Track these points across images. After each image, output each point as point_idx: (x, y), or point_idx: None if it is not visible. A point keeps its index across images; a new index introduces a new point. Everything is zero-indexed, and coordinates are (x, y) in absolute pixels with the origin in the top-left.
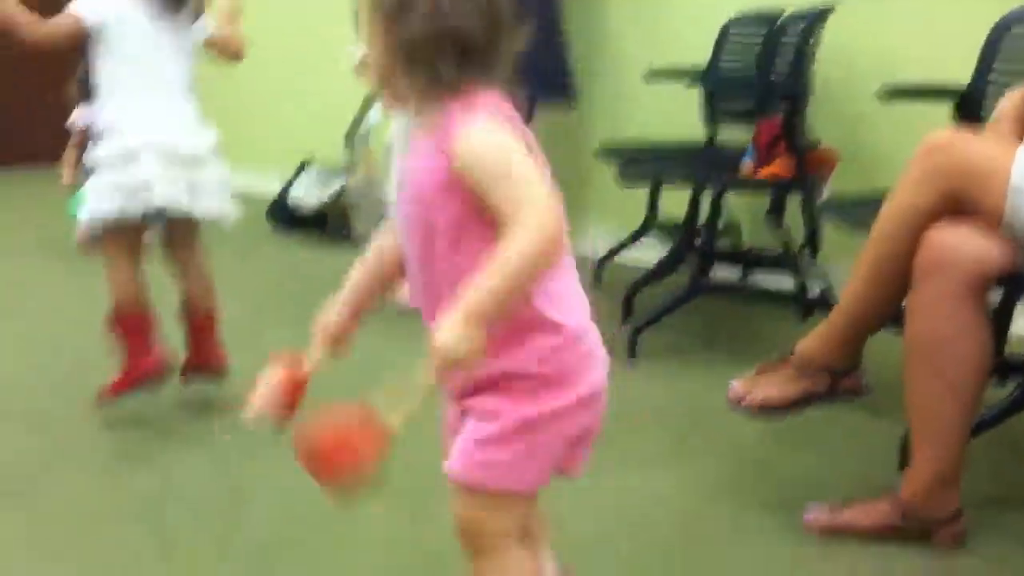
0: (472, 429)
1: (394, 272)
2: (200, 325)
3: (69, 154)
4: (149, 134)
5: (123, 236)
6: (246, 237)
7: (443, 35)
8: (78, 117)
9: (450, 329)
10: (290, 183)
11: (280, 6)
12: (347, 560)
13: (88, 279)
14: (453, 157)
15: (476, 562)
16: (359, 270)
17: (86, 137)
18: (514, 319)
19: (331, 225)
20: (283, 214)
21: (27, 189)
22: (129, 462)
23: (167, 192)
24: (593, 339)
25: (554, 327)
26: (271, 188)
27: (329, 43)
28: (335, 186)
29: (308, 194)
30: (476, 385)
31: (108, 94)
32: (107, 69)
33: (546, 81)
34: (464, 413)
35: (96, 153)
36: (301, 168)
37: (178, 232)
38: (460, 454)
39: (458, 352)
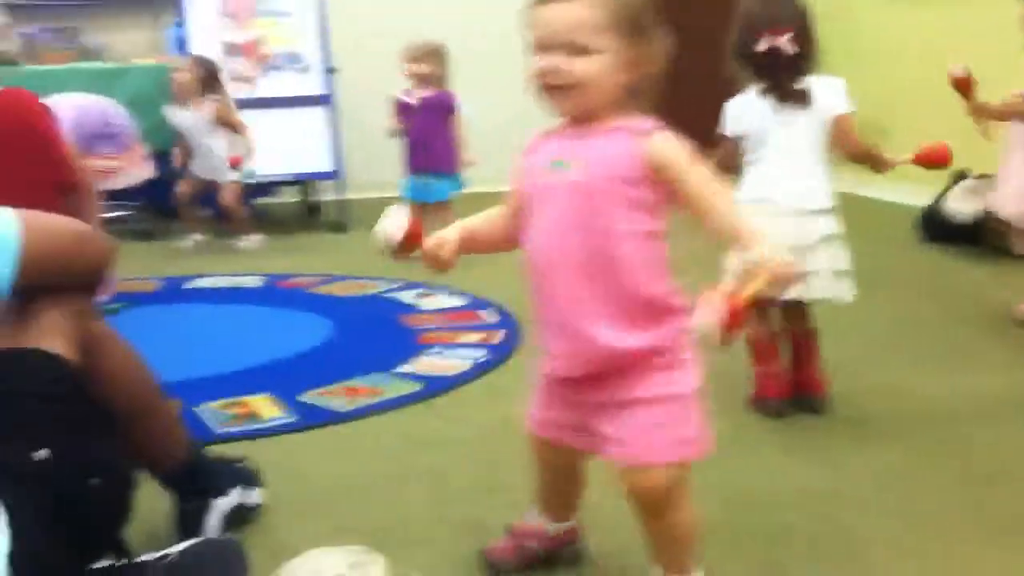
0: (652, 413)
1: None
2: (801, 345)
3: None
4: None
5: None
6: (893, 247)
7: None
8: None
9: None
10: (944, 193)
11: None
12: None
13: None
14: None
15: (668, 515)
16: (483, 219)
17: None
18: (656, 298)
19: (988, 237)
20: (935, 225)
21: None
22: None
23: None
24: None
25: (679, 308)
26: (920, 200)
27: (982, 53)
28: None
29: (964, 205)
30: (613, 367)
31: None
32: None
33: None
34: (600, 406)
35: None
36: (958, 179)
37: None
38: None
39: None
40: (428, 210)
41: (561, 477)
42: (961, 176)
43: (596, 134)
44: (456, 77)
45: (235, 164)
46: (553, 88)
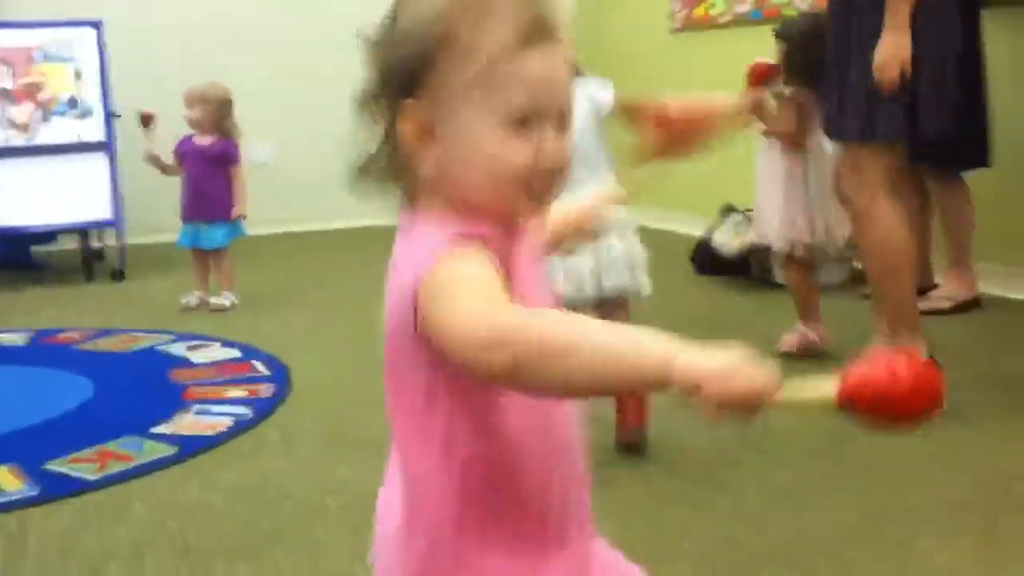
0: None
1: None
2: None
3: None
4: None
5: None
6: (668, 278)
7: None
8: None
9: None
10: (713, 228)
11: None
12: None
13: None
14: None
15: None
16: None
17: None
18: None
19: (753, 269)
20: (706, 257)
21: None
22: None
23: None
24: None
25: None
26: (696, 232)
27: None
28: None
29: (730, 238)
30: None
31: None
32: None
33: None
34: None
35: None
36: (725, 213)
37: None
38: None
39: None
40: (204, 257)
41: None
42: (730, 210)
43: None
44: (252, 119)
45: None
46: (556, 180)
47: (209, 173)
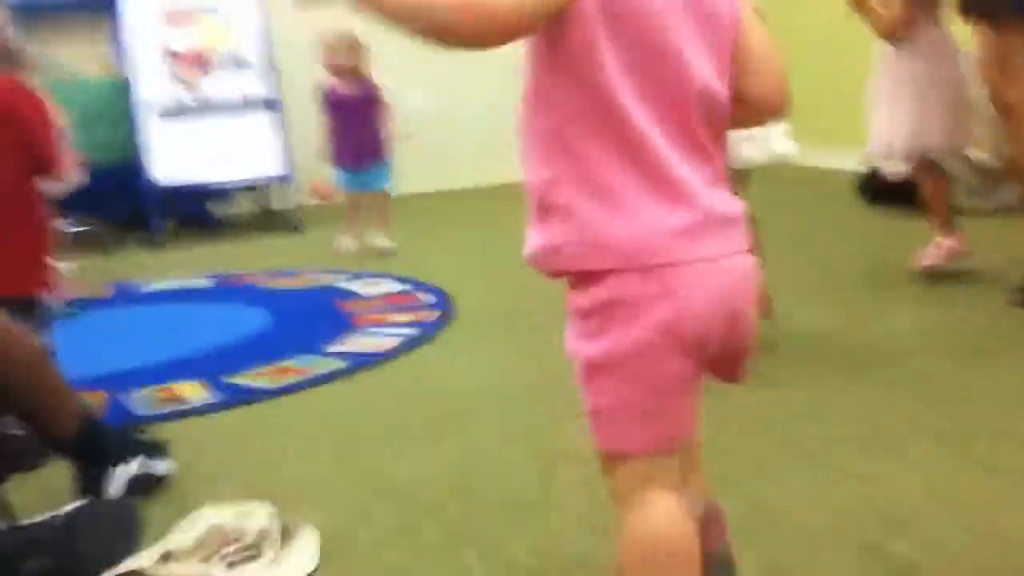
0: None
1: None
2: None
3: None
4: None
5: None
6: (829, 209)
7: None
8: None
9: None
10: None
11: None
12: None
13: None
14: None
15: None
16: None
17: None
18: (544, 199)
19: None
20: (873, 186)
21: None
22: None
23: None
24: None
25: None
26: (858, 164)
27: None
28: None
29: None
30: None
31: None
32: None
33: None
34: None
35: None
36: None
37: None
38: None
39: None
40: (359, 202)
41: None
42: None
43: None
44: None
45: None
46: None
47: (363, 119)
